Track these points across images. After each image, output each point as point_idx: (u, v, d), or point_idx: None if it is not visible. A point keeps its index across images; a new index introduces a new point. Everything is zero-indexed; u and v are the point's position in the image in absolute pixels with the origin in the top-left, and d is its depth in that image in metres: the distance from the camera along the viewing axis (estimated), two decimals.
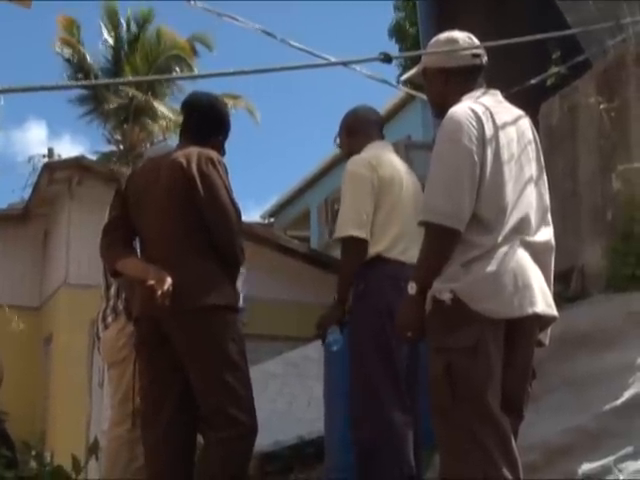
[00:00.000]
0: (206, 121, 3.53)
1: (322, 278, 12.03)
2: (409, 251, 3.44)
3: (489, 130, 2.69)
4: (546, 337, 2.85)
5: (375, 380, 3.45)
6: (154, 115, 18.16)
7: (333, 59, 3.20)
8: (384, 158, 3.71)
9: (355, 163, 3.67)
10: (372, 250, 3.55)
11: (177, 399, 3.29)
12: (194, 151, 3.37)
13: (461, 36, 2.98)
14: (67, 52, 18.63)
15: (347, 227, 3.53)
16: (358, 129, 3.83)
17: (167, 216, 3.34)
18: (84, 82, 15.16)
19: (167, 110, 18.57)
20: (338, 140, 3.95)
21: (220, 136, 3.59)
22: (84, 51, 18.98)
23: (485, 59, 2.94)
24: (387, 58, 2.85)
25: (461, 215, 2.61)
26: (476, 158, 2.64)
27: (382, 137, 3.89)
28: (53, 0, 18.42)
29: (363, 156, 3.69)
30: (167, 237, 3.34)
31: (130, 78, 17.02)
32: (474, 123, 2.68)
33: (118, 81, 17.94)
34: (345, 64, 3.18)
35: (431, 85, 3.02)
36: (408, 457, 3.41)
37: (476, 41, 2.96)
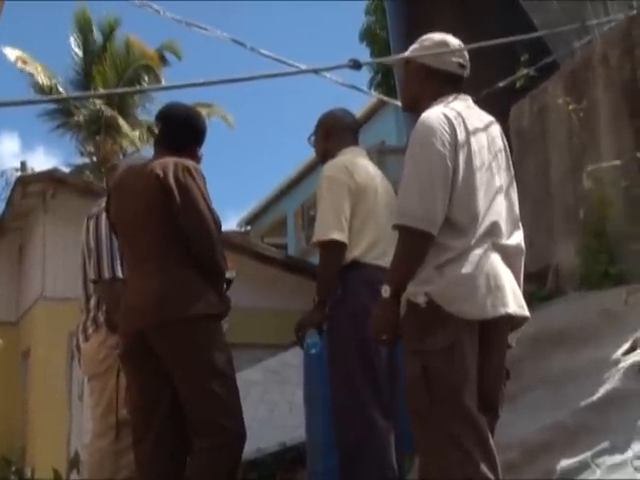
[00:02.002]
0: (182, 131, 3.54)
1: (300, 285, 12.03)
2: (385, 256, 3.45)
3: (461, 135, 2.72)
4: (513, 339, 2.87)
5: (355, 384, 3.47)
6: (119, 131, 18.07)
7: (303, 67, 3.21)
8: (359, 164, 3.73)
9: (332, 168, 3.69)
10: (348, 255, 3.57)
11: (166, 409, 3.29)
12: (170, 161, 3.37)
13: (454, 42, 2.99)
14: (29, 69, 18.53)
15: (328, 230, 3.54)
16: (334, 132, 3.84)
17: (146, 227, 3.34)
18: (55, 96, 15.06)
19: (131, 126, 18.52)
20: (313, 139, 3.96)
21: (196, 145, 3.59)
22: (44, 69, 18.87)
23: (468, 72, 2.96)
24: (356, 65, 2.87)
25: (434, 218, 2.63)
26: (449, 162, 2.66)
27: (357, 142, 3.91)
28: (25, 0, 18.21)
29: (339, 160, 3.71)
30: (147, 248, 3.34)
31: (101, 91, 16.93)
32: (447, 128, 2.70)
33: (89, 94, 17.83)
34: (316, 71, 3.20)
35: (408, 78, 3.03)
36: (390, 460, 3.43)
37: (465, 52, 2.97)
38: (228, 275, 3.49)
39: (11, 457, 4.32)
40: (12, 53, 18.22)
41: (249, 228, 19.65)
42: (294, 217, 19.28)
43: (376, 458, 3.42)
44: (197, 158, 3.57)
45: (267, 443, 6.28)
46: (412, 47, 3.05)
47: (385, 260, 3.37)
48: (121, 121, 17.91)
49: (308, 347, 3.54)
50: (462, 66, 2.94)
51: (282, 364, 7.53)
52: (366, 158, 3.89)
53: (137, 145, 18.18)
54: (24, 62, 18.40)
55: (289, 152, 42.95)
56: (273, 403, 7.18)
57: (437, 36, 3.01)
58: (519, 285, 2.81)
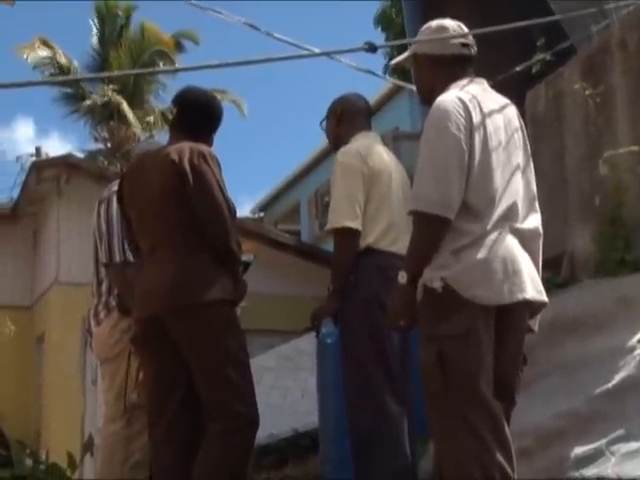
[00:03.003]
0: (199, 115, 3.53)
1: (313, 271, 12.04)
2: (398, 242, 3.45)
3: (476, 118, 2.70)
4: (535, 324, 2.86)
5: (367, 370, 3.46)
6: (125, 118, 18.04)
7: (317, 50, 3.19)
8: (373, 149, 3.70)
9: (345, 154, 3.66)
10: (362, 242, 3.55)
11: (181, 394, 3.31)
12: (186, 146, 3.36)
13: (451, 25, 2.98)
14: (46, 53, 18.53)
15: (341, 218, 3.53)
16: (346, 117, 3.82)
17: (161, 213, 3.34)
18: (69, 77, 15.04)
19: (144, 112, 18.52)
20: (324, 124, 3.94)
21: (212, 131, 3.59)
22: (63, 54, 18.87)
23: (474, 49, 2.95)
24: (372, 48, 2.84)
25: (450, 203, 2.61)
26: (464, 146, 2.64)
27: (370, 127, 3.88)
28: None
29: (353, 147, 3.69)
30: (163, 233, 3.34)
31: (115, 72, 16.92)
32: (461, 111, 2.68)
33: (103, 75, 17.84)
34: (329, 55, 3.17)
35: (419, 71, 3.03)
36: (403, 446, 3.43)
37: (466, 30, 2.97)
38: (245, 258, 3.50)
39: (26, 440, 4.37)
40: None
41: (262, 214, 19.67)
42: (308, 204, 19.26)
43: (389, 444, 3.42)
44: (210, 143, 3.56)
45: (280, 429, 6.29)
46: (414, 44, 3.04)
47: (398, 246, 3.37)
48: (126, 108, 17.86)
49: (324, 336, 3.54)
50: (465, 45, 2.92)
51: (295, 350, 7.54)
52: (380, 143, 3.87)
53: (139, 132, 18.14)
54: (43, 43, 18.38)
55: (303, 138, 42.91)
56: (286, 389, 7.20)
57: (433, 23, 3.01)
58: (538, 269, 2.79)
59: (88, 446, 4.39)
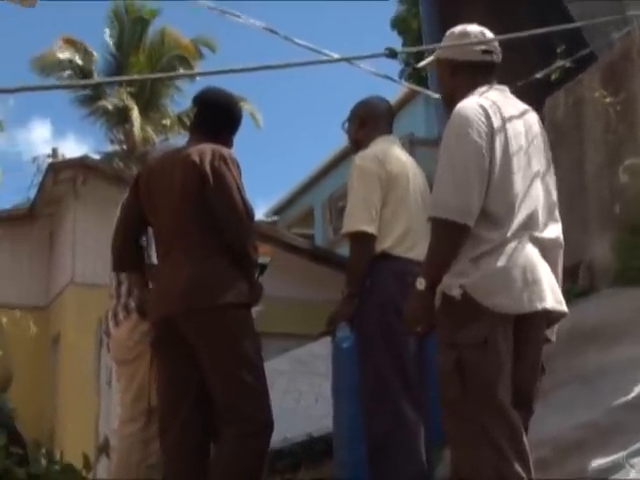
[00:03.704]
0: (220, 117, 3.53)
1: (327, 275, 12.03)
2: (416, 248, 3.44)
3: (497, 124, 2.69)
4: (553, 334, 2.85)
5: (384, 376, 3.45)
6: (131, 122, 18.04)
7: (337, 56, 3.18)
8: (391, 153, 3.69)
9: (363, 158, 3.65)
10: (378, 247, 3.54)
11: (194, 397, 3.30)
12: (207, 148, 3.36)
13: (474, 30, 2.97)
14: (68, 53, 18.56)
15: (357, 222, 3.52)
16: (368, 121, 3.81)
17: (180, 214, 3.34)
18: (86, 81, 15.12)
19: (154, 118, 18.55)
20: (346, 126, 3.92)
21: (232, 132, 3.59)
22: (89, 49, 18.89)
23: (498, 57, 2.94)
24: (392, 53, 2.84)
25: (470, 210, 2.60)
26: (484, 153, 2.64)
27: (390, 131, 3.88)
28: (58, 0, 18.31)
29: (371, 151, 3.68)
30: (180, 235, 3.34)
31: (135, 76, 16.97)
32: (482, 118, 2.68)
33: (121, 78, 17.90)
34: (349, 60, 3.16)
35: (441, 77, 3.03)
36: (419, 453, 3.41)
37: (490, 36, 2.95)
38: (262, 261, 3.50)
39: (40, 439, 4.39)
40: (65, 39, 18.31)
41: (276, 218, 19.67)
42: (322, 208, 19.26)
43: (404, 450, 3.40)
44: (230, 145, 3.56)
45: (293, 433, 6.28)
46: (435, 45, 3.04)
47: (416, 252, 3.36)
48: (135, 114, 17.87)
49: (339, 340, 3.53)
50: (487, 52, 2.91)
51: (310, 355, 7.53)
52: (399, 146, 3.86)
53: (172, 129, 18.17)
54: (67, 41, 18.40)
55: (319, 142, 42.90)
56: (299, 393, 7.19)
57: (457, 28, 2.99)
58: (558, 280, 2.77)
59: (104, 447, 4.40)
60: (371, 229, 3.50)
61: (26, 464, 3.82)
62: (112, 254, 3.65)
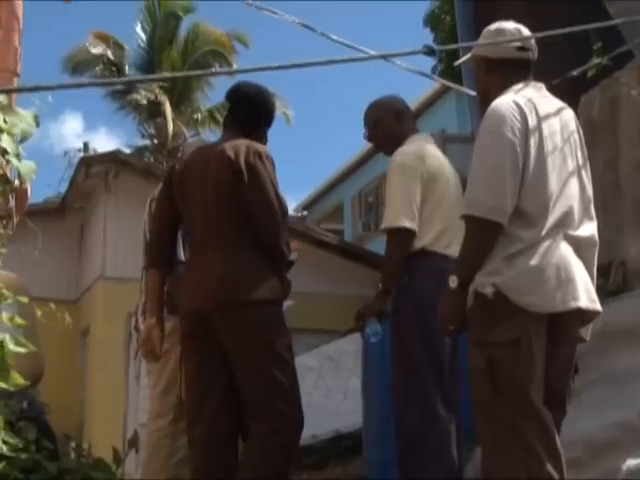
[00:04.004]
0: (255, 112, 3.52)
1: (356, 271, 12.03)
2: (453, 246, 3.41)
3: (532, 122, 2.67)
4: (587, 333, 2.82)
5: (419, 373, 3.43)
6: (165, 117, 18.09)
7: (373, 52, 3.16)
8: (430, 152, 3.67)
9: (404, 154, 3.63)
10: (417, 244, 3.52)
11: (222, 393, 3.29)
12: (243, 144, 3.36)
13: (509, 28, 2.95)
14: (100, 48, 18.66)
15: (399, 218, 3.49)
16: (404, 117, 3.77)
17: (214, 210, 3.33)
18: (117, 79, 15.21)
19: (186, 113, 18.59)
20: (367, 133, 3.86)
21: (266, 127, 3.57)
22: (120, 43, 18.99)
23: (533, 54, 2.91)
24: (431, 51, 2.83)
25: (503, 208, 2.59)
26: (519, 150, 2.62)
27: (416, 129, 3.85)
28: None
29: (411, 148, 3.65)
30: (214, 231, 3.33)
31: (165, 74, 17.04)
32: (517, 115, 2.66)
33: (151, 77, 17.95)
34: (387, 57, 3.14)
35: (477, 74, 3.02)
36: (450, 450, 3.39)
37: (527, 33, 2.93)
38: (291, 257, 3.49)
39: (70, 433, 4.41)
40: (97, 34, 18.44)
41: (306, 213, 19.69)
42: (351, 203, 19.26)
43: (436, 447, 3.39)
44: (264, 139, 3.55)
45: (321, 429, 6.29)
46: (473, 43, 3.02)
47: (452, 250, 3.34)
48: (168, 109, 17.94)
49: (369, 335, 3.51)
50: (522, 49, 2.89)
51: (338, 351, 7.54)
52: (434, 145, 3.83)
53: (203, 124, 18.22)
54: (99, 37, 18.52)
55: (348, 138, 42.90)
56: (327, 389, 7.19)
57: (493, 26, 2.98)
58: (592, 278, 2.74)
59: (133, 442, 4.41)
60: (412, 225, 3.48)
61: (57, 458, 3.84)
62: (149, 253, 3.66)
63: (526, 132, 2.65)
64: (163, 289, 3.59)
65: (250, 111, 3.52)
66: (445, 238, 3.52)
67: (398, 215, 3.49)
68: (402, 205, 3.50)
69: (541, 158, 2.66)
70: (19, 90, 2.11)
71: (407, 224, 3.47)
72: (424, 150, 3.65)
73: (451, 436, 3.40)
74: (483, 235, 2.63)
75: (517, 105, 2.69)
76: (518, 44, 2.89)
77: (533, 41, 2.94)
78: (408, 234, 3.49)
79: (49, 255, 12.49)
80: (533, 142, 2.65)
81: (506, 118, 2.65)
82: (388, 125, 3.79)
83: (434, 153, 3.70)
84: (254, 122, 3.51)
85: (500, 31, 2.95)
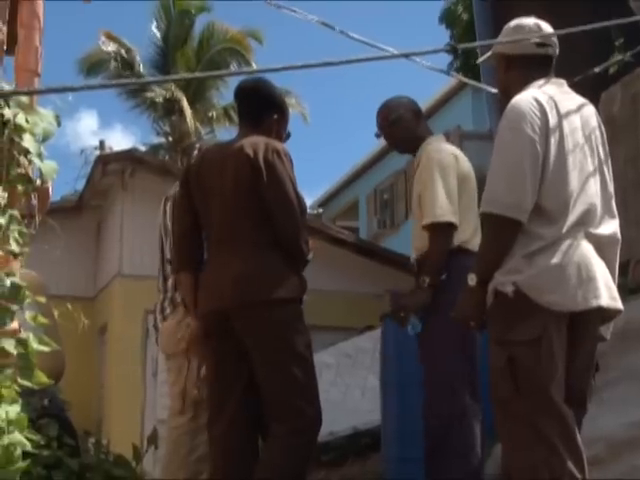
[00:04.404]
0: (252, 101, 3.50)
1: (372, 268, 12.02)
2: None
3: (552, 119, 2.66)
4: (608, 331, 2.80)
5: (452, 371, 3.44)
6: (183, 115, 18.10)
7: (394, 50, 3.15)
8: (459, 153, 3.72)
9: (441, 152, 3.64)
10: (454, 240, 3.53)
11: (242, 391, 3.29)
12: (261, 141, 3.34)
13: (528, 24, 2.93)
14: (113, 46, 18.72)
15: (444, 213, 3.49)
16: (421, 116, 3.82)
17: (233, 207, 3.32)
18: (127, 81, 15.24)
19: (201, 110, 18.61)
20: (381, 131, 3.86)
21: (274, 114, 3.50)
22: (129, 46, 19.05)
23: (554, 50, 2.90)
24: (453, 49, 2.82)
25: (523, 206, 2.58)
26: (539, 148, 2.61)
27: (431, 130, 3.86)
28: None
29: (444, 147, 3.69)
30: (233, 229, 3.32)
31: (173, 76, 17.07)
32: (537, 112, 2.65)
33: (160, 79, 17.98)
34: (408, 56, 3.13)
35: (497, 71, 3.00)
36: (475, 447, 3.40)
37: (547, 29, 2.91)
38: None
39: (89, 430, 4.45)
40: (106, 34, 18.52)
41: (321, 210, 19.69)
42: (366, 201, 19.24)
43: (462, 445, 3.39)
44: (281, 129, 3.53)
45: (340, 426, 6.28)
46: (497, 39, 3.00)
47: None
48: (186, 105, 17.97)
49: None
50: (542, 45, 2.87)
51: (355, 348, 7.54)
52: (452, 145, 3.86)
53: (199, 127, 18.23)
54: (109, 37, 18.60)
55: (364, 135, 42.86)
56: (345, 386, 7.19)
57: (512, 23, 2.96)
58: (614, 276, 2.73)
59: (153, 439, 4.43)
60: (456, 220, 3.50)
61: (78, 455, 3.86)
62: (176, 256, 3.64)
63: (546, 129, 2.63)
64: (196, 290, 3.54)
65: (250, 103, 3.50)
66: (478, 237, 3.51)
67: (444, 210, 3.49)
68: (446, 200, 3.50)
69: (562, 155, 2.64)
70: (45, 92, 2.11)
71: (452, 219, 3.48)
72: (456, 151, 3.69)
73: (476, 433, 3.40)
74: (501, 232, 2.62)
75: (537, 102, 2.67)
76: (538, 40, 2.87)
77: (554, 37, 2.92)
78: (452, 229, 3.50)
79: (66, 253, 12.49)
80: (554, 139, 2.64)
81: (526, 115, 2.64)
82: (407, 124, 3.80)
83: (462, 154, 3.74)
84: (257, 112, 3.48)
85: (519, 27, 2.93)
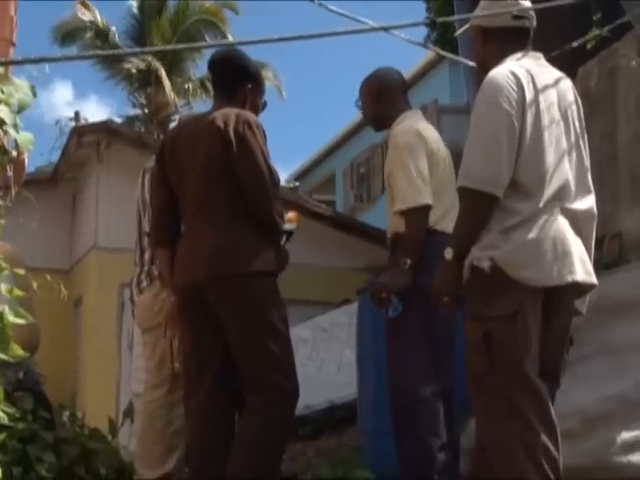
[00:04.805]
0: (226, 71, 3.48)
1: (348, 242, 12.02)
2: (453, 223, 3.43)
3: (529, 93, 2.65)
4: (583, 305, 2.82)
5: (412, 352, 3.42)
6: (159, 86, 17.93)
7: (373, 23, 3.13)
8: (428, 130, 3.66)
9: (407, 134, 3.58)
10: None
11: (218, 364, 3.29)
12: (232, 112, 3.32)
13: None
14: (88, 15, 18.47)
15: (420, 196, 3.45)
16: (385, 96, 3.72)
17: (205, 180, 3.30)
18: (107, 52, 15.02)
19: (177, 82, 18.45)
20: (360, 103, 3.82)
21: (248, 84, 3.48)
22: (104, 16, 18.83)
23: (530, 22, 2.88)
24: (432, 22, 2.80)
25: (499, 180, 2.57)
26: (515, 122, 2.60)
27: (408, 103, 3.81)
28: None
29: (410, 126, 3.62)
30: (205, 202, 3.31)
31: (150, 47, 16.89)
32: (514, 86, 2.63)
33: (138, 50, 17.74)
34: (387, 29, 3.11)
35: (474, 44, 2.99)
36: (438, 428, 3.39)
37: (525, 2, 2.89)
38: (289, 227, 3.47)
39: (64, 402, 4.44)
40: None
41: (297, 184, 19.64)
42: (343, 174, 19.23)
43: (423, 424, 3.39)
44: (255, 98, 3.51)
45: (315, 400, 6.31)
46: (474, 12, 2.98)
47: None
48: (164, 75, 17.80)
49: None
50: (519, 17, 2.85)
51: (332, 322, 7.56)
52: (425, 121, 3.81)
53: (176, 99, 18.10)
54: (85, 6, 18.36)
55: (340, 109, 42.73)
56: (321, 360, 7.22)
57: None
58: (590, 251, 2.75)
59: (128, 412, 4.42)
60: (430, 200, 3.47)
61: (53, 428, 3.85)
62: (153, 232, 3.63)
63: (523, 103, 2.62)
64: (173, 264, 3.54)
65: (222, 73, 3.49)
66: (450, 216, 3.49)
67: (417, 193, 3.46)
68: (416, 183, 3.47)
69: (538, 130, 2.63)
70: (23, 62, 2.07)
71: (424, 200, 3.45)
72: (424, 129, 3.63)
73: (438, 414, 3.39)
74: (477, 207, 2.61)
75: (514, 75, 2.66)
76: (514, 12, 2.85)
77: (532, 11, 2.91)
78: (428, 209, 3.47)
79: (42, 225, 12.37)
80: (530, 114, 2.63)
81: (503, 89, 2.62)
82: (366, 105, 3.77)
83: (432, 131, 3.68)
84: (230, 82, 3.46)
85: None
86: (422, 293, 3.33)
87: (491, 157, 2.57)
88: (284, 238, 3.50)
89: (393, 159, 3.59)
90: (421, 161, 3.51)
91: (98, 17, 18.55)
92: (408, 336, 3.45)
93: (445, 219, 3.48)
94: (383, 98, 3.71)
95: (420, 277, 3.37)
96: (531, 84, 2.67)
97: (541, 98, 2.67)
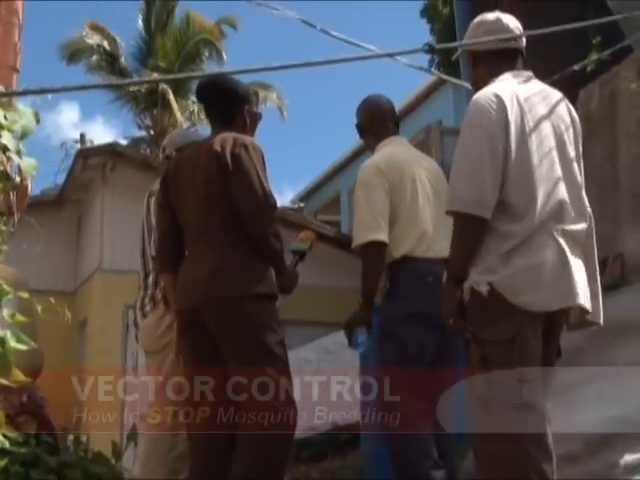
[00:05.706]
0: (218, 100, 3.50)
1: (353, 263, 12.01)
2: (434, 246, 3.49)
3: (513, 114, 2.64)
4: (598, 316, 2.76)
5: (394, 377, 3.46)
6: (169, 106, 18.02)
7: (375, 49, 3.16)
8: (394, 159, 3.69)
9: (364, 171, 3.68)
10: (398, 252, 3.56)
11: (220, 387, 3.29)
12: (230, 137, 3.35)
13: (489, 18, 2.95)
14: (96, 38, 18.61)
15: (365, 233, 3.54)
16: (371, 126, 3.84)
17: (204, 204, 3.32)
18: (107, 83, 15.14)
19: (182, 104, 18.54)
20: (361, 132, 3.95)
21: (243, 105, 3.51)
22: (113, 36, 18.95)
23: (518, 42, 2.89)
24: (431, 49, 2.85)
25: (484, 201, 2.57)
26: (497, 142, 2.59)
27: (396, 128, 3.87)
28: None
29: (372, 162, 3.70)
30: (204, 226, 3.33)
31: (155, 77, 16.93)
32: (494, 107, 2.63)
33: (138, 81, 17.86)
34: (390, 56, 3.15)
35: (469, 68, 3.02)
36: (428, 450, 3.39)
37: (509, 22, 2.92)
38: (301, 247, 3.50)
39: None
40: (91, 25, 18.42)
41: (302, 205, 19.65)
42: (348, 195, 19.21)
43: (413, 450, 3.41)
44: (255, 120, 3.53)
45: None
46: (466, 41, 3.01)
47: (433, 251, 3.46)
48: (172, 97, 17.90)
49: (356, 346, 3.57)
50: (504, 39, 2.86)
51: (336, 344, 7.52)
52: (406, 146, 3.87)
53: (182, 120, 18.19)
54: (94, 28, 18.49)
55: (345, 129, 42.79)
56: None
57: (476, 19, 2.98)
58: (594, 268, 2.73)
59: (132, 436, 4.42)
60: (381, 237, 3.51)
61: (56, 452, 3.85)
62: (158, 258, 3.68)
63: (506, 123, 2.61)
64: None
65: (215, 101, 3.51)
66: (424, 243, 3.55)
67: (365, 231, 3.53)
68: (367, 221, 3.54)
69: (524, 150, 2.62)
70: (24, 93, 2.10)
71: (374, 237, 3.50)
72: (387, 160, 3.68)
73: (427, 437, 3.40)
74: (466, 230, 2.62)
75: (497, 97, 2.66)
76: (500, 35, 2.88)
77: (520, 29, 2.92)
78: (377, 246, 3.51)
79: (46, 247, 12.38)
80: (515, 134, 2.61)
81: (484, 111, 2.63)
82: (377, 129, 3.85)
83: (399, 160, 3.70)
84: (224, 108, 3.48)
85: (481, 23, 2.95)
86: (396, 321, 3.38)
87: (474, 179, 2.58)
88: (296, 258, 3.52)
89: (355, 197, 3.66)
90: (374, 196, 3.56)
91: (105, 40, 18.68)
92: (388, 361, 3.50)
93: (422, 244, 3.51)
94: (369, 131, 3.85)
95: (397, 306, 3.43)
96: (516, 103, 2.67)
97: (528, 117, 2.67)
